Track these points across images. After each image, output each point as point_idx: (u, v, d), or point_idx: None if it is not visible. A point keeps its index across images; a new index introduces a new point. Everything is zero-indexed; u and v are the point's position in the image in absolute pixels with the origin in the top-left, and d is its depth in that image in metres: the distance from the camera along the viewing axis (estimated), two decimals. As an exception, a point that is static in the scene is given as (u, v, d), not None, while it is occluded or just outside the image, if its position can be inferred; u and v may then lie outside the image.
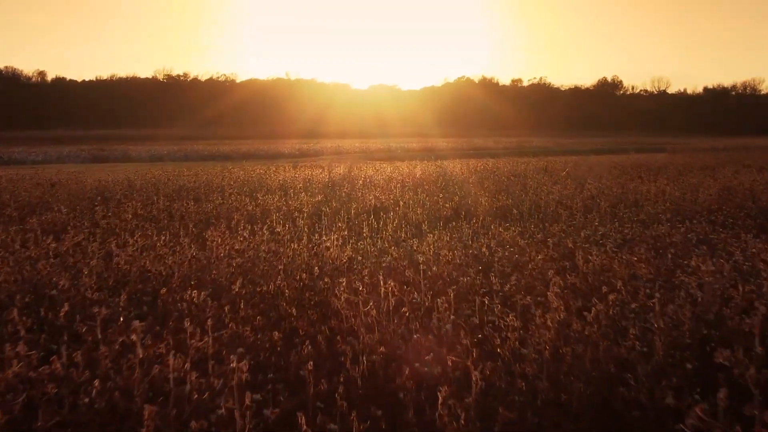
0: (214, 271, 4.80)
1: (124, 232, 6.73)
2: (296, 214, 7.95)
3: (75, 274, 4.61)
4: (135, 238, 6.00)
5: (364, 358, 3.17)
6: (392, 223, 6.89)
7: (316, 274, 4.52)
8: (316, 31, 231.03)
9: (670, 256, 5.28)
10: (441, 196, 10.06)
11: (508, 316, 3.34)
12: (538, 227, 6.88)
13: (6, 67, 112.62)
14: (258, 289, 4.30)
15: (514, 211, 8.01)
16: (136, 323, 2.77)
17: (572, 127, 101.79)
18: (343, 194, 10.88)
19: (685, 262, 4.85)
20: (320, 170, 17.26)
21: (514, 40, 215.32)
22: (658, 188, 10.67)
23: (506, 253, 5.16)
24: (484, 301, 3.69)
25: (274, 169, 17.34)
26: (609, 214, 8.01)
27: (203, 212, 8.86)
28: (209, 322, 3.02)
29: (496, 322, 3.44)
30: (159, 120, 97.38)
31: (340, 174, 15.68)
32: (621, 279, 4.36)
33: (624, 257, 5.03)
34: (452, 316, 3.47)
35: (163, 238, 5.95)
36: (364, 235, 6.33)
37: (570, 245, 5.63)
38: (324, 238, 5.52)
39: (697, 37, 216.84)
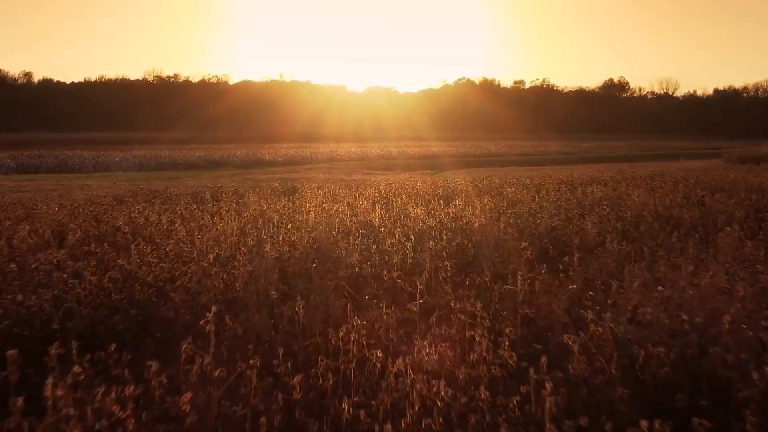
0: None
1: None
2: None
3: None
4: None
5: None
6: None
7: None
8: (311, 32, 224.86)
9: None
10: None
11: None
12: None
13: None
14: None
15: None
16: None
17: (577, 130, 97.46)
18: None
19: None
20: (280, 210, 8.82)
21: (515, 41, 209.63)
22: None
23: None
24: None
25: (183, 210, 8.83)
26: None
27: None
28: None
29: None
30: (150, 122, 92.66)
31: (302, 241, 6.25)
32: None
33: None
34: None
35: None
36: None
37: None
38: None
39: (706, 39, 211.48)
